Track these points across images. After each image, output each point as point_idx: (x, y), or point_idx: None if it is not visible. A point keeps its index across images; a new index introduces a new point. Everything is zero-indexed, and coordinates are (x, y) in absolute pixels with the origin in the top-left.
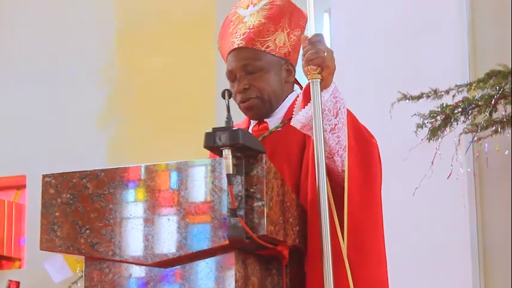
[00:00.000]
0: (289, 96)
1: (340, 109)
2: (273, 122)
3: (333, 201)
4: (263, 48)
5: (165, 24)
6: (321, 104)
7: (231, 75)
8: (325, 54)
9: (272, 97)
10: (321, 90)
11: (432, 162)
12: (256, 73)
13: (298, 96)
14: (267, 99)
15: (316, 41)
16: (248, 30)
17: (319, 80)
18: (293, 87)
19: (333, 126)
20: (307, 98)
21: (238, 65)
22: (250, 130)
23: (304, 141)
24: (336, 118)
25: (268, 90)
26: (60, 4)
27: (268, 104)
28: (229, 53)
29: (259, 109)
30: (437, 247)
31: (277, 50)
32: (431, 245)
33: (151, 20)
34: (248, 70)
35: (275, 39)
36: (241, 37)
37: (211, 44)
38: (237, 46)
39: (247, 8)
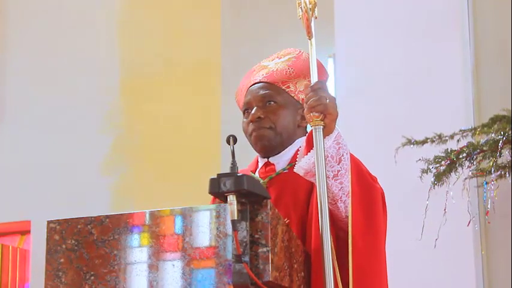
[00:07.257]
0: (299, 139)
1: (343, 155)
2: (280, 164)
3: (334, 251)
4: (283, 87)
5: (170, 72)
6: (324, 151)
7: (248, 106)
8: (328, 101)
9: (284, 132)
10: (324, 137)
11: (445, 210)
12: (273, 106)
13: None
14: (279, 132)
15: (319, 88)
16: (271, 71)
17: (321, 127)
18: (305, 134)
19: (336, 172)
20: (310, 144)
21: (257, 96)
22: (257, 172)
23: (311, 184)
24: (338, 164)
25: (282, 124)
26: (64, 50)
27: (280, 137)
28: (248, 88)
29: (270, 140)
30: None
31: (296, 93)
32: None
33: (155, 67)
34: (266, 101)
35: (296, 83)
36: (264, 75)
37: (216, 90)
38: (258, 80)
39: (272, 60)
